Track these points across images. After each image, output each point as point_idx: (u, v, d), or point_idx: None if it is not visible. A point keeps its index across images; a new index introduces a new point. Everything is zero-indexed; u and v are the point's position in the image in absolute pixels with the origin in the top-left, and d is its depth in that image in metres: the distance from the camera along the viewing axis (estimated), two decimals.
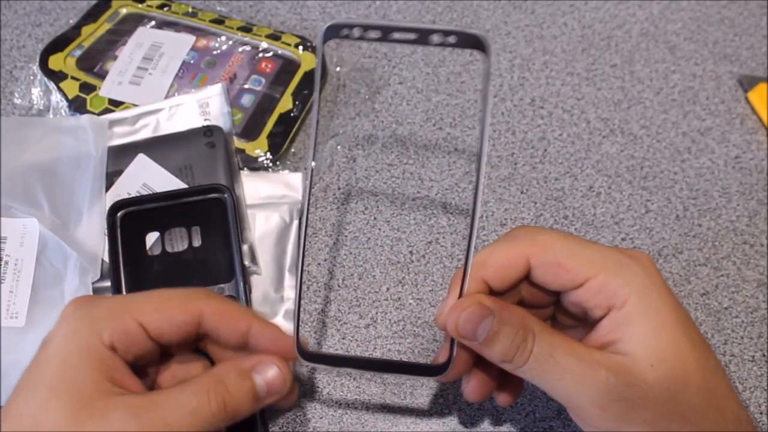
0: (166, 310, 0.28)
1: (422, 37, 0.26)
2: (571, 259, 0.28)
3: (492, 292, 0.30)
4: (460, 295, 0.29)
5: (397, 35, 0.25)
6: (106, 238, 0.38)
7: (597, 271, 0.28)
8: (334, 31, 0.25)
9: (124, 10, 0.51)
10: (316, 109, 0.26)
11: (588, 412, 0.26)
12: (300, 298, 0.29)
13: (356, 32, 0.25)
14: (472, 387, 0.31)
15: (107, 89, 0.46)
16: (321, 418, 0.37)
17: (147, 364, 0.29)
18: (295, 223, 0.42)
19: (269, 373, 0.28)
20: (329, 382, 0.38)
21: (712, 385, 0.27)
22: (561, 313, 0.31)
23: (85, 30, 0.50)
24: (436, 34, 0.26)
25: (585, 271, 0.28)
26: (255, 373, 0.28)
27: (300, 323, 0.29)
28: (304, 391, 0.37)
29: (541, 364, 0.27)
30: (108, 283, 0.38)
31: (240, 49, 0.49)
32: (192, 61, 0.48)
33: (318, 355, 0.29)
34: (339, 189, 0.45)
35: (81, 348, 0.26)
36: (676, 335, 0.27)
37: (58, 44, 0.48)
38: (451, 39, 0.26)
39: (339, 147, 0.47)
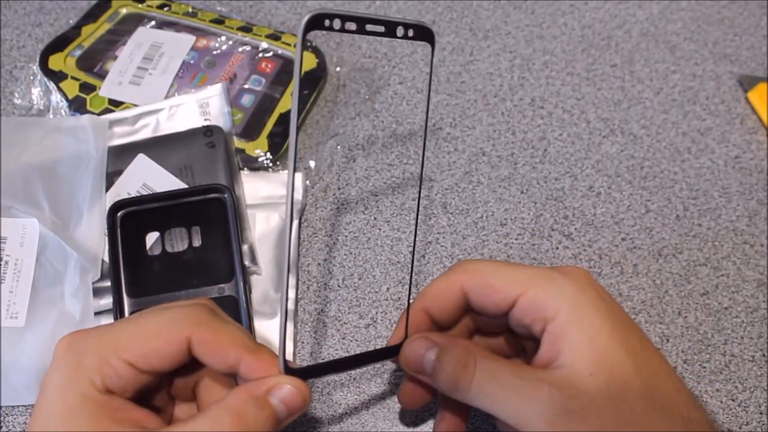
0: (152, 344, 0.27)
1: (390, 29, 0.27)
2: (500, 280, 0.29)
3: (437, 325, 0.32)
4: (406, 331, 0.31)
5: (369, 27, 0.27)
6: (106, 238, 0.38)
7: (526, 287, 0.29)
8: (317, 22, 0.25)
9: (124, 10, 0.51)
10: (295, 100, 0.26)
11: (536, 429, 0.26)
12: (286, 319, 0.28)
13: (337, 23, 0.26)
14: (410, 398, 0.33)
15: (107, 89, 0.46)
16: (321, 418, 0.37)
17: (155, 387, 0.29)
18: (296, 223, 0.42)
19: (286, 394, 0.27)
20: (329, 381, 0.38)
21: (656, 389, 0.27)
22: (523, 339, 0.32)
23: (85, 30, 0.50)
24: (401, 26, 0.28)
25: (514, 288, 0.29)
26: (271, 397, 0.27)
27: (285, 342, 0.28)
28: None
29: (485, 386, 0.27)
30: (108, 283, 0.38)
31: (240, 49, 0.49)
32: (192, 61, 0.48)
33: (302, 370, 0.29)
34: (339, 189, 0.45)
35: (78, 399, 0.25)
36: (611, 343, 0.27)
37: (58, 44, 0.48)
38: (410, 32, 0.28)
39: (339, 147, 0.47)
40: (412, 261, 0.32)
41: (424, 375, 0.30)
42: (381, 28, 0.27)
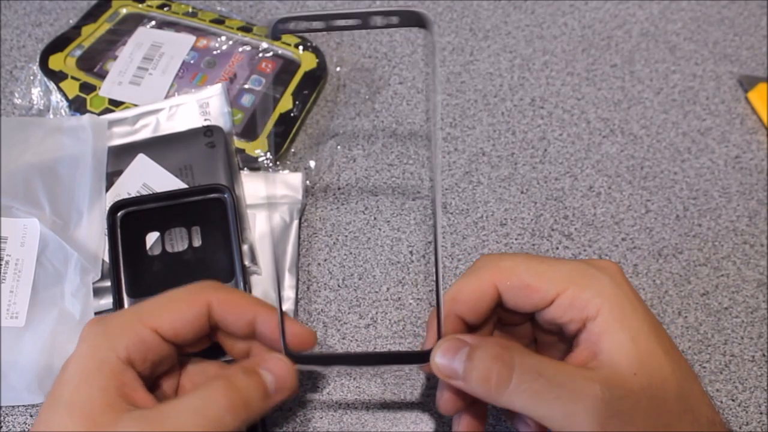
0: (176, 309, 0.28)
1: (365, 20, 0.26)
2: (538, 279, 0.28)
3: (468, 326, 0.30)
4: (439, 336, 0.28)
5: (341, 22, 0.25)
6: (106, 238, 0.38)
7: (565, 286, 0.28)
8: (283, 25, 0.25)
9: (124, 10, 0.51)
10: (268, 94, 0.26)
11: (585, 430, 0.25)
12: (281, 304, 0.29)
13: (303, 25, 0.26)
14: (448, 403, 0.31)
15: (107, 89, 0.46)
16: (321, 418, 0.37)
17: (164, 374, 0.29)
18: (296, 223, 0.42)
19: (276, 367, 0.28)
20: (329, 381, 0.38)
21: (687, 391, 0.27)
22: (540, 333, 0.31)
23: (85, 30, 0.50)
24: (378, 15, 0.26)
25: (553, 287, 0.28)
26: (262, 369, 0.28)
27: (284, 328, 0.29)
28: (304, 390, 0.37)
29: (530, 384, 0.26)
30: (108, 283, 0.38)
31: (240, 49, 0.49)
32: (192, 61, 0.48)
33: (307, 357, 0.29)
34: (339, 189, 0.45)
35: (95, 365, 0.26)
36: (651, 343, 0.27)
37: (58, 44, 0.48)
38: (394, 19, 0.26)
39: (339, 147, 0.47)
40: (436, 262, 0.29)
41: (456, 379, 0.27)
42: (356, 21, 0.26)
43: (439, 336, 0.28)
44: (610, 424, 0.25)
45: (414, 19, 0.26)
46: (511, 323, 0.32)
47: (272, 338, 0.29)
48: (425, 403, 0.37)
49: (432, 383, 0.38)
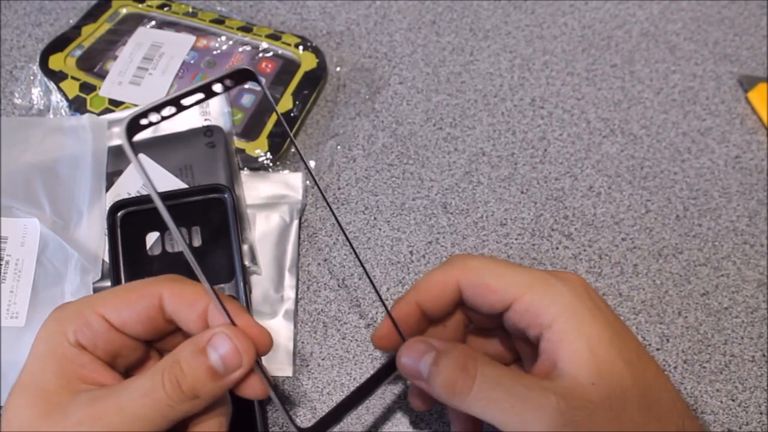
0: (125, 298, 0.27)
1: (207, 90, 0.27)
2: (497, 281, 0.29)
3: (429, 318, 0.31)
4: (402, 336, 0.30)
5: (187, 100, 0.27)
6: (106, 238, 0.38)
7: (523, 291, 0.28)
8: (135, 125, 0.26)
9: (124, 10, 0.51)
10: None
11: None
12: (276, 394, 0.28)
13: (154, 117, 0.26)
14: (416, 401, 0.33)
15: (107, 89, 0.46)
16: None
17: (135, 364, 0.29)
18: (296, 223, 0.42)
19: (222, 347, 0.26)
20: (329, 381, 0.38)
21: (653, 399, 0.27)
22: (517, 341, 0.32)
23: (85, 30, 0.50)
24: (216, 84, 0.27)
25: (510, 291, 0.29)
26: (209, 347, 0.26)
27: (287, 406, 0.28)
28: (304, 390, 0.37)
29: (488, 392, 0.27)
30: (108, 283, 0.38)
31: (240, 49, 0.49)
32: (192, 61, 0.48)
33: (318, 425, 0.29)
34: (339, 189, 0.45)
35: (48, 349, 0.26)
36: (610, 352, 0.27)
37: (58, 44, 0.48)
38: (228, 82, 0.28)
39: (339, 147, 0.47)
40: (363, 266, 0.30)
41: (421, 380, 0.29)
42: (201, 95, 0.27)
43: (401, 335, 0.30)
44: None
45: (244, 75, 0.28)
46: (484, 328, 0.33)
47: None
48: None
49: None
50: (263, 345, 0.28)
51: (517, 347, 0.32)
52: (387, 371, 0.31)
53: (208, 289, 0.27)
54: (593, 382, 0.26)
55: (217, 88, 0.27)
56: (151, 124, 0.26)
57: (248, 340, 0.27)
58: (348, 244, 0.30)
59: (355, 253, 0.31)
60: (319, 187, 0.31)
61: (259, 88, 0.47)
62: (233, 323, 0.27)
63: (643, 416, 0.26)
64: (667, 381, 0.28)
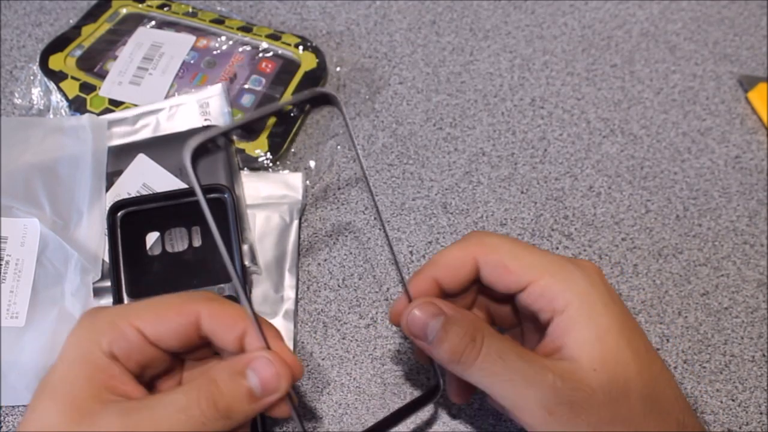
0: (163, 314, 0.27)
1: (281, 114, 0.27)
2: (515, 262, 0.29)
3: (445, 293, 0.31)
4: (409, 300, 0.30)
5: (258, 125, 0.27)
6: (106, 238, 0.38)
7: (539, 275, 0.28)
8: (201, 149, 0.26)
9: (124, 10, 0.51)
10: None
11: (535, 415, 0.26)
12: (299, 414, 0.28)
13: (220, 141, 0.27)
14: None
15: (107, 89, 0.46)
16: (321, 418, 0.37)
17: (160, 374, 0.29)
18: (296, 223, 0.42)
19: (263, 371, 0.27)
20: (329, 381, 0.38)
21: (656, 393, 0.27)
22: (523, 319, 0.32)
23: (85, 30, 0.50)
24: (292, 106, 0.27)
25: (528, 274, 0.29)
26: (249, 370, 0.27)
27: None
28: (304, 390, 0.37)
29: (490, 364, 0.27)
30: (108, 283, 0.38)
31: (240, 49, 0.49)
32: (192, 61, 0.48)
33: None
34: (339, 189, 0.45)
35: (80, 356, 0.26)
36: (618, 342, 0.27)
37: (58, 44, 0.48)
38: (306, 107, 0.28)
39: (339, 147, 0.47)
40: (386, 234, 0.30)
41: (424, 341, 0.29)
42: (271, 111, 0.27)
43: (409, 299, 0.30)
44: (558, 411, 0.26)
45: (324, 99, 0.28)
46: (498, 302, 0.33)
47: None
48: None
49: (432, 384, 0.38)
50: (298, 372, 0.28)
51: (522, 320, 0.32)
52: (427, 397, 0.32)
53: (251, 314, 0.27)
54: (595, 368, 0.26)
55: (293, 111, 0.27)
56: (217, 147, 0.27)
57: (286, 367, 0.27)
58: (374, 206, 0.30)
59: (380, 219, 0.31)
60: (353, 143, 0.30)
61: (259, 88, 0.47)
62: (269, 348, 0.28)
63: (643, 408, 0.26)
64: (671, 378, 0.28)
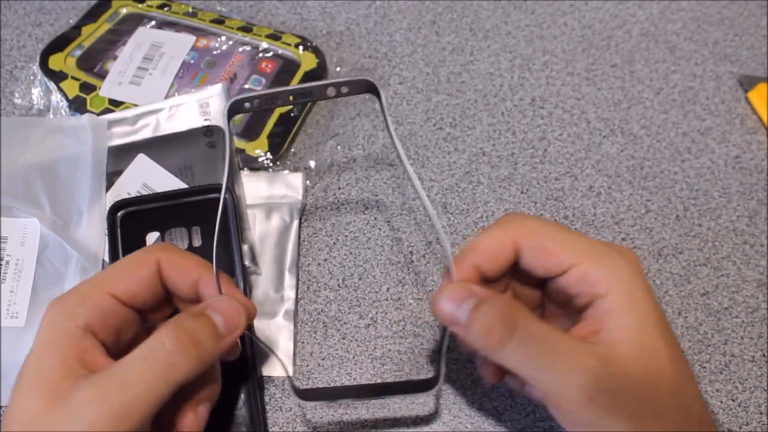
0: (129, 271, 0.29)
1: (319, 92, 0.27)
2: (558, 245, 0.29)
3: (484, 279, 0.30)
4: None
5: (293, 97, 0.27)
6: (106, 238, 0.38)
7: (582, 258, 0.28)
8: (238, 106, 0.27)
9: (124, 10, 0.51)
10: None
11: (575, 402, 0.26)
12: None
13: (257, 103, 0.27)
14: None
15: (107, 89, 0.46)
16: (321, 418, 0.37)
17: (131, 341, 0.29)
18: (296, 223, 0.42)
19: (224, 308, 0.28)
20: (329, 382, 0.38)
21: (682, 387, 0.27)
22: (549, 302, 0.32)
23: (85, 30, 0.50)
24: (330, 87, 0.27)
25: (570, 257, 0.28)
26: (210, 310, 0.28)
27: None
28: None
29: (529, 347, 0.26)
30: None
31: (240, 49, 0.49)
32: (192, 61, 0.48)
33: (314, 392, 0.30)
34: (339, 189, 0.45)
35: (53, 336, 0.26)
36: (655, 332, 0.27)
37: (58, 44, 0.49)
38: (344, 89, 0.27)
39: (339, 147, 0.47)
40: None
41: (457, 326, 0.28)
42: (308, 96, 0.27)
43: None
44: (599, 397, 0.25)
45: (364, 87, 0.28)
46: (524, 284, 0.32)
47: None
48: (425, 404, 0.37)
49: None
50: (252, 311, 0.31)
51: (547, 305, 0.32)
52: (422, 387, 0.32)
53: (211, 262, 0.29)
54: (631, 357, 0.26)
55: (330, 91, 0.27)
56: (252, 108, 0.27)
57: (243, 306, 0.29)
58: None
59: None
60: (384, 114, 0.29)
61: (260, 88, 0.47)
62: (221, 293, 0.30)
63: (672, 400, 0.26)
64: (693, 375, 0.28)
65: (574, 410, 0.26)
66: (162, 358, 0.26)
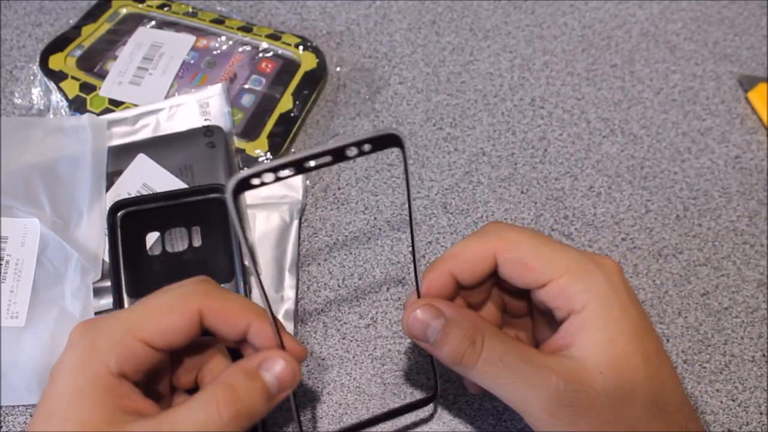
0: (166, 320, 0.27)
1: (338, 154, 0.24)
2: (536, 260, 0.29)
3: (461, 286, 0.31)
4: (418, 296, 0.30)
5: (312, 163, 0.24)
6: (106, 238, 0.38)
7: (560, 273, 0.28)
8: (245, 185, 0.23)
9: (124, 10, 0.51)
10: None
11: (538, 417, 0.27)
12: (297, 406, 0.29)
13: (267, 177, 0.23)
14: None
15: (107, 89, 0.46)
16: (321, 418, 0.37)
17: (162, 370, 0.29)
18: (296, 223, 0.42)
19: (277, 368, 0.27)
20: (329, 381, 0.38)
21: (662, 399, 0.27)
22: (535, 309, 0.32)
23: (85, 30, 0.50)
24: (351, 147, 0.24)
25: (548, 272, 0.28)
26: (263, 370, 0.27)
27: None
28: (304, 391, 0.37)
29: (491, 367, 0.27)
30: (108, 283, 0.38)
31: (240, 49, 0.49)
32: (192, 61, 0.48)
33: None
34: (339, 189, 0.45)
35: (89, 381, 0.25)
36: (629, 347, 0.27)
37: (58, 44, 0.48)
38: (366, 147, 0.25)
39: None
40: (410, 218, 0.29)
41: (425, 343, 0.29)
42: (328, 159, 0.24)
43: (419, 295, 0.30)
44: (562, 413, 0.26)
45: (388, 141, 0.25)
46: (511, 290, 0.33)
47: (264, 348, 0.29)
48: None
49: (432, 384, 0.38)
50: (303, 358, 0.29)
51: (535, 311, 0.32)
52: (423, 403, 0.33)
53: (269, 315, 0.28)
54: (602, 371, 0.26)
55: (351, 151, 0.24)
56: (263, 184, 0.23)
57: (297, 361, 0.28)
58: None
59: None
60: None
61: (259, 88, 0.47)
62: (281, 343, 0.28)
63: (648, 413, 0.26)
64: (679, 383, 0.28)
65: (539, 425, 0.27)
66: (216, 424, 0.25)
